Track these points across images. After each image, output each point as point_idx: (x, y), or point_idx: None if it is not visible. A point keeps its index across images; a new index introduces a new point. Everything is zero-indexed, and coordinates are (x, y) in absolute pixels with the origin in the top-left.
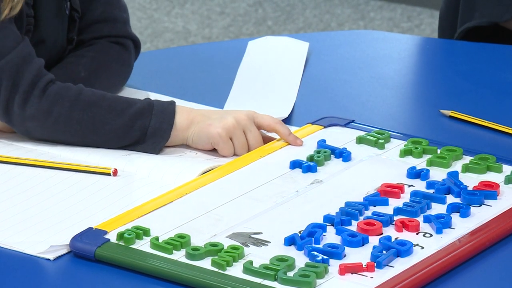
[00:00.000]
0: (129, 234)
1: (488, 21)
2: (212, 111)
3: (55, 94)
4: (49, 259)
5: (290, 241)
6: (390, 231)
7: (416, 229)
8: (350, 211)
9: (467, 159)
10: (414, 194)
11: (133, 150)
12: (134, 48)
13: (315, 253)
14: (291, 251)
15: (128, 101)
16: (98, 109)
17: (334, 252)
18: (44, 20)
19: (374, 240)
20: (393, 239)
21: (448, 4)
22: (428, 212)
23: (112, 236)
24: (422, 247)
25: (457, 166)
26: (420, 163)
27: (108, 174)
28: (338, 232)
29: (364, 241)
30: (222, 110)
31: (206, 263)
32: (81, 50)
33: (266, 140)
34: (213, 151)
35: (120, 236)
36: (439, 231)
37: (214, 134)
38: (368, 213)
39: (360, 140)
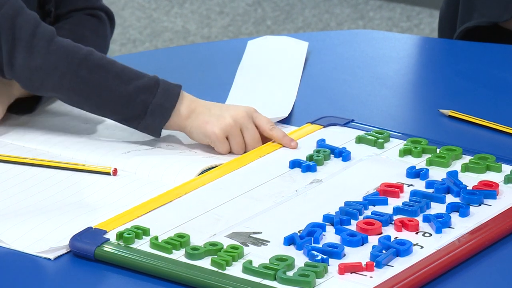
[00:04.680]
0: (129, 234)
1: (487, 21)
2: (213, 104)
3: (65, 49)
4: (49, 259)
5: (290, 240)
6: (390, 231)
7: (415, 228)
8: (349, 211)
9: (466, 158)
10: (414, 193)
11: (130, 126)
12: (109, 21)
13: (315, 252)
14: (290, 251)
15: (137, 73)
16: (105, 73)
17: (333, 251)
18: None
19: (373, 240)
20: (392, 239)
21: (448, 3)
22: (428, 212)
23: (111, 236)
24: (422, 247)
25: (456, 165)
26: (419, 162)
27: (108, 174)
28: (337, 232)
29: (364, 241)
30: (223, 105)
31: (205, 263)
32: (59, 23)
33: (264, 139)
34: (212, 148)
35: (120, 235)
36: (438, 230)
37: (210, 134)
38: (368, 212)
39: (359, 140)
